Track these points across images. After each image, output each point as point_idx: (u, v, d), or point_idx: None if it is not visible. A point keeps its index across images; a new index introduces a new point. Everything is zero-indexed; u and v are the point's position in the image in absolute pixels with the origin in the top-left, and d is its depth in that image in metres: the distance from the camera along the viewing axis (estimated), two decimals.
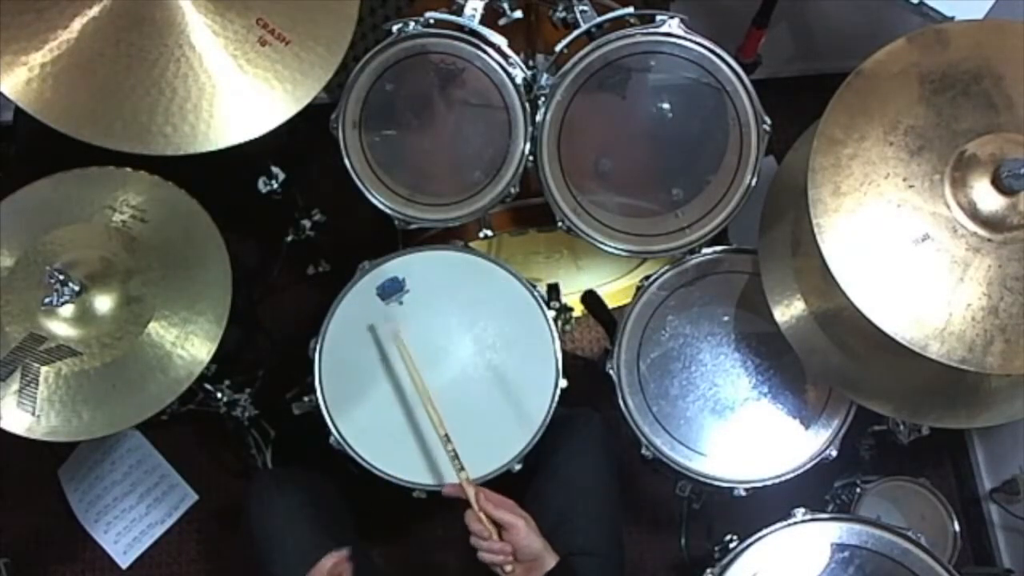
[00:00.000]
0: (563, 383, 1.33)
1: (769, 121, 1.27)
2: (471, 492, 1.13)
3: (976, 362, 1.02)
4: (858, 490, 1.56)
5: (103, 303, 1.22)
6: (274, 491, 1.33)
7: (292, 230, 1.71)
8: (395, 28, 1.25)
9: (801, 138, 1.26)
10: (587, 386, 1.39)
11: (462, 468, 1.15)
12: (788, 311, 1.28)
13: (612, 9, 1.32)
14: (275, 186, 1.52)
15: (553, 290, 1.48)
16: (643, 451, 1.35)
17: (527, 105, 1.28)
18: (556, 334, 1.35)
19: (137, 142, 1.09)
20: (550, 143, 1.29)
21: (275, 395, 1.64)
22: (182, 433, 1.80)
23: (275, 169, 1.51)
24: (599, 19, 1.28)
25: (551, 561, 1.10)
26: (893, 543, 1.18)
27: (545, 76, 1.30)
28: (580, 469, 1.32)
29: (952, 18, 1.23)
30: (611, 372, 1.37)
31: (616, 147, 1.35)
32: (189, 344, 1.22)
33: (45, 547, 1.78)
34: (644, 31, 1.24)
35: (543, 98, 1.27)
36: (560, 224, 1.36)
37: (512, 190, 1.33)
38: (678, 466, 1.34)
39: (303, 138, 1.29)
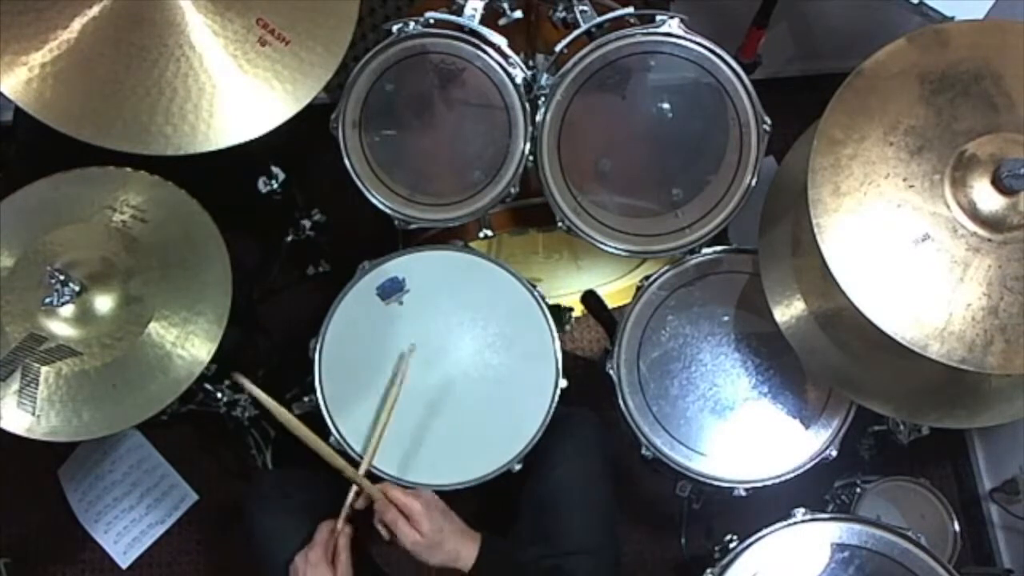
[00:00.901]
0: (563, 383, 1.33)
1: (769, 121, 1.27)
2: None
3: (976, 362, 1.02)
4: (858, 490, 1.56)
5: (103, 303, 1.22)
6: (274, 493, 1.33)
7: (292, 230, 1.71)
8: (395, 28, 1.25)
9: (801, 138, 1.26)
10: (587, 386, 1.39)
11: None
12: (788, 311, 1.28)
13: (612, 9, 1.32)
14: (275, 186, 1.51)
15: (566, 312, 1.48)
16: (643, 451, 1.35)
17: (527, 105, 1.28)
18: (556, 334, 1.35)
19: (137, 142, 1.09)
20: (550, 143, 1.29)
21: (275, 395, 1.63)
22: (182, 433, 1.80)
23: (275, 169, 1.51)
24: (599, 19, 1.29)
25: (468, 552, 1.10)
26: (893, 543, 1.18)
27: (545, 76, 1.30)
28: (574, 469, 1.32)
29: (952, 18, 1.23)
30: (611, 372, 1.37)
31: (616, 147, 1.35)
32: (189, 344, 1.22)
33: (45, 547, 1.78)
34: (644, 31, 1.24)
35: (543, 98, 1.27)
36: (560, 224, 1.36)
37: (512, 190, 1.33)
38: (678, 466, 1.34)
39: (303, 138, 1.29)
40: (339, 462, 1.15)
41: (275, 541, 1.26)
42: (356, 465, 1.20)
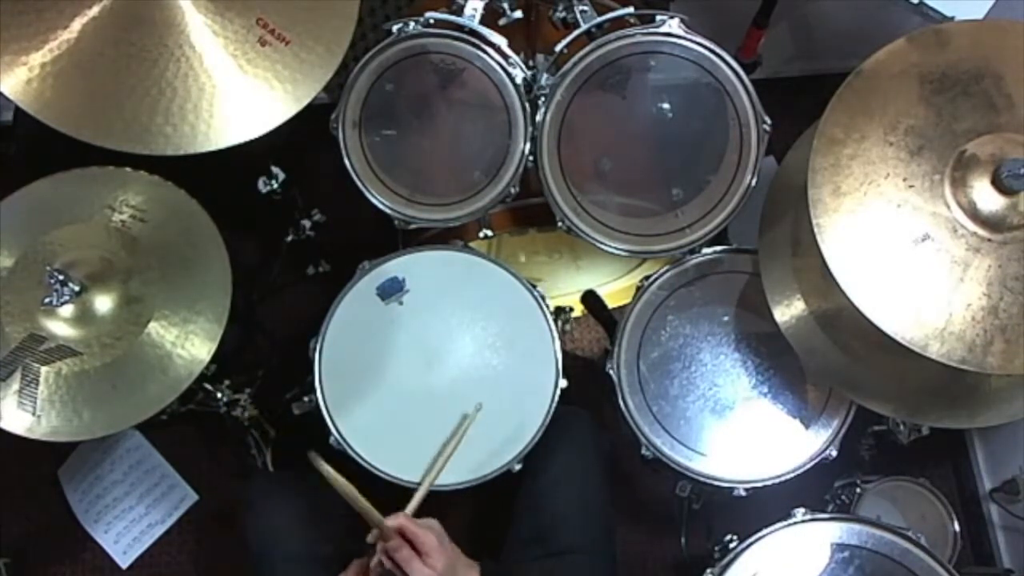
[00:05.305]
0: (563, 383, 1.33)
1: (769, 121, 1.27)
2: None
3: (976, 362, 1.02)
4: (858, 490, 1.56)
5: (103, 303, 1.22)
6: (274, 494, 1.32)
7: (292, 230, 1.71)
8: (395, 28, 1.25)
9: (801, 138, 1.26)
10: (587, 386, 1.39)
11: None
12: (788, 311, 1.28)
13: (612, 9, 1.32)
14: (275, 186, 1.52)
15: (561, 311, 1.48)
16: (643, 451, 1.35)
17: (527, 105, 1.28)
18: (556, 334, 1.35)
19: (137, 142, 1.09)
20: (550, 143, 1.29)
21: (275, 395, 1.64)
22: (182, 433, 1.80)
23: (275, 169, 1.51)
24: (599, 19, 1.29)
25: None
26: (893, 543, 1.18)
27: (545, 76, 1.30)
28: (568, 469, 1.32)
29: (952, 18, 1.23)
30: (611, 372, 1.37)
31: (616, 147, 1.35)
32: (189, 344, 1.22)
33: (45, 547, 1.78)
34: (644, 31, 1.24)
35: (543, 98, 1.27)
36: (560, 224, 1.36)
37: (512, 190, 1.33)
38: (678, 466, 1.34)
39: (303, 138, 1.29)
40: (373, 514, 1.08)
41: (275, 548, 1.26)
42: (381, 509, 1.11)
